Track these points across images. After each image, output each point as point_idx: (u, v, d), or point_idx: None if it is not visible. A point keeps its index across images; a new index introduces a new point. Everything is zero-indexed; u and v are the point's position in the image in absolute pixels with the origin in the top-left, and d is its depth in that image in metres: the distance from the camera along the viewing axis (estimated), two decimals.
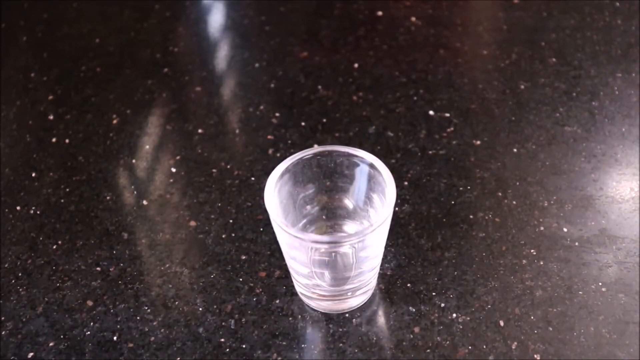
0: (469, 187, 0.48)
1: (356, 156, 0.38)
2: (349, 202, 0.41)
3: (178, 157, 0.52)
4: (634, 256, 0.43)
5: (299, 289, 0.41)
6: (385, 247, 0.40)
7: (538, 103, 0.55)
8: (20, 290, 0.43)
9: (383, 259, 0.42)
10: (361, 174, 0.39)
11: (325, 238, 0.37)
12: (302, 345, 0.39)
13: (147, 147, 0.53)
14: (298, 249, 0.36)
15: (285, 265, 0.42)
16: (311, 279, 0.39)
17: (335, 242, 0.36)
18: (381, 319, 0.40)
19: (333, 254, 0.37)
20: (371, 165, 0.38)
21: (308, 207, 0.41)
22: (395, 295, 0.41)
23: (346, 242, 0.35)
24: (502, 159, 0.50)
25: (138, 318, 0.41)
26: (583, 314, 0.40)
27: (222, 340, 0.39)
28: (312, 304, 0.41)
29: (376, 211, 0.39)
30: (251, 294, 0.42)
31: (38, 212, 0.48)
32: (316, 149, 0.39)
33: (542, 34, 0.62)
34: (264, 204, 0.47)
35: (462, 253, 0.43)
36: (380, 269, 0.42)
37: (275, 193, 0.37)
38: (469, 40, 0.62)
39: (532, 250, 0.43)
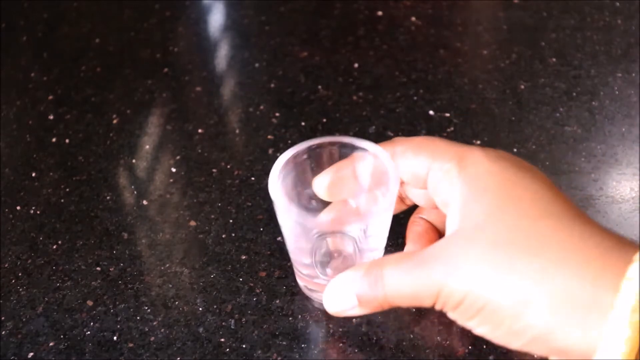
0: None
1: (359, 147, 0.38)
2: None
3: (178, 157, 0.52)
4: None
5: (301, 282, 0.41)
6: (386, 248, 0.40)
7: (538, 103, 0.55)
8: (20, 290, 0.43)
9: None
10: (365, 165, 0.39)
11: (328, 223, 0.37)
12: (302, 345, 0.39)
13: (147, 147, 0.53)
14: (301, 236, 0.36)
15: (285, 265, 0.42)
16: (314, 269, 0.39)
17: (338, 230, 0.36)
18: (381, 319, 0.40)
19: (334, 245, 0.37)
20: (375, 156, 0.38)
21: (313, 202, 0.41)
22: None
23: (350, 227, 0.35)
24: None
25: (138, 318, 0.41)
26: None
27: (222, 340, 0.39)
28: (315, 296, 0.40)
29: (380, 199, 0.39)
30: (251, 294, 0.42)
31: (38, 212, 0.48)
32: (320, 139, 0.38)
33: (542, 34, 0.62)
34: (263, 203, 0.47)
35: None
36: None
37: (280, 181, 0.37)
38: (469, 40, 0.62)
39: None
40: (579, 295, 0.28)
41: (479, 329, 0.32)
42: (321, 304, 0.40)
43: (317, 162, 0.39)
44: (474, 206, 0.32)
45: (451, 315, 0.33)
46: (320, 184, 0.39)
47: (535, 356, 0.38)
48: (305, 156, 0.39)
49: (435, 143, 0.36)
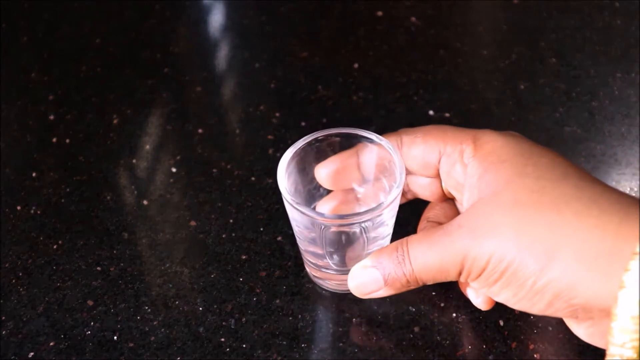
0: None
1: (366, 138, 0.39)
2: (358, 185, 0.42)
3: (178, 157, 0.52)
4: None
5: (311, 271, 0.41)
6: (392, 235, 0.41)
7: (538, 103, 0.55)
8: (21, 290, 0.43)
9: None
10: (369, 155, 0.39)
11: (335, 217, 0.37)
12: (302, 345, 0.39)
13: (147, 147, 0.53)
14: (310, 229, 0.37)
15: (285, 264, 0.42)
16: (324, 259, 0.39)
17: (345, 221, 0.36)
18: (381, 319, 0.40)
19: (343, 235, 0.38)
20: (380, 147, 0.38)
21: (321, 189, 0.42)
22: (395, 295, 0.41)
23: (356, 221, 0.36)
24: None
25: (138, 318, 0.41)
26: None
27: (223, 339, 0.39)
28: (323, 283, 0.41)
29: (385, 192, 0.40)
30: (251, 293, 0.42)
31: (38, 212, 0.48)
32: (324, 132, 0.39)
33: (542, 34, 0.62)
34: (263, 203, 0.47)
35: None
36: None
37: (288, 174, 0.38)
38: (469, 40, 0.62)
39: None
40: (602, 245, 0.28)
41: (503, 294, 0.32)
42: (329, 289, 0.41)
43: (322, 154, 0.40)
44: (491, 176, 0.33)
45: (475, 284, 0.33)
46: (323, 172, 0.39)
47: (536, 356, 0.38)
48: (310, 149, 0.39)
49: (444, 129, 0.37)
